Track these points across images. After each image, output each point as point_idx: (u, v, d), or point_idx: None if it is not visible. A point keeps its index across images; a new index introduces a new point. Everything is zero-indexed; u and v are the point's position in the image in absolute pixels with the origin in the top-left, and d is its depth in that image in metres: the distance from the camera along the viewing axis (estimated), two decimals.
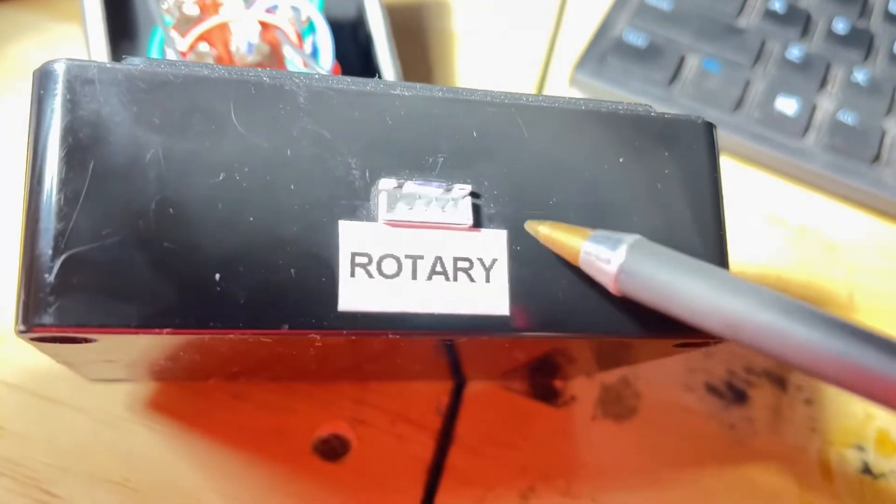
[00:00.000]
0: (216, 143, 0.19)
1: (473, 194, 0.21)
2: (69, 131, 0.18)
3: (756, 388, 0.34)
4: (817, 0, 0.43)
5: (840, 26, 0.42)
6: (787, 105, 0.39)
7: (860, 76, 0.40)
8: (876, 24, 0.43)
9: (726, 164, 0.40)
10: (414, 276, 0.20)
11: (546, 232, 0.21)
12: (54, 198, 0.18)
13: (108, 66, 0.19)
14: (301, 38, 0.30)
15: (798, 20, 0.42)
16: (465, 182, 0.21)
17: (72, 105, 0.19)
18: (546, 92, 0.42)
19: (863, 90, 0.40)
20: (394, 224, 0.20)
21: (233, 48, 0.31)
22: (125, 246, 0.18)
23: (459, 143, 0.21)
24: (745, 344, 0.18)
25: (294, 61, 0.29)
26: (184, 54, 0.30)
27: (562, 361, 0.30)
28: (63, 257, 0.18)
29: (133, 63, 0.20)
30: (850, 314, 0.37)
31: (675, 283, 0.19)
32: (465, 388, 0.32)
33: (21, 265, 0.18)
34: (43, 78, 0.19)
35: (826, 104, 0.40)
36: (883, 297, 0.37)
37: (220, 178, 0.19)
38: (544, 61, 0.43)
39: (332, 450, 0.31)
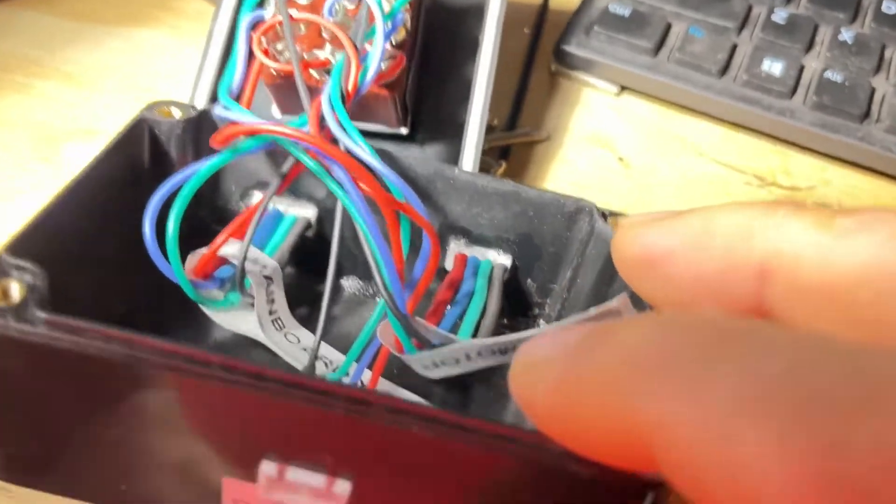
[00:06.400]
0: None
1: None
2: None
3: None
4: None
5: None
6: (774, 67, 0.39)
7: (847, 36, 0.40)
8: None
9: (715, 130, 0.40)
10: None
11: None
12: None
13: None
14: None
15: None
16: None
17: None
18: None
19: (850, 49, 0.40)
20: None
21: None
22: None
23: None
24: None
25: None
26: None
27: None
28: None
29: None
30: None
31: None
32: None
33: None
34: None
35: (814, 64, 0.40)
36: None
37: None
38: (531, 35, 0.43)
39: None
